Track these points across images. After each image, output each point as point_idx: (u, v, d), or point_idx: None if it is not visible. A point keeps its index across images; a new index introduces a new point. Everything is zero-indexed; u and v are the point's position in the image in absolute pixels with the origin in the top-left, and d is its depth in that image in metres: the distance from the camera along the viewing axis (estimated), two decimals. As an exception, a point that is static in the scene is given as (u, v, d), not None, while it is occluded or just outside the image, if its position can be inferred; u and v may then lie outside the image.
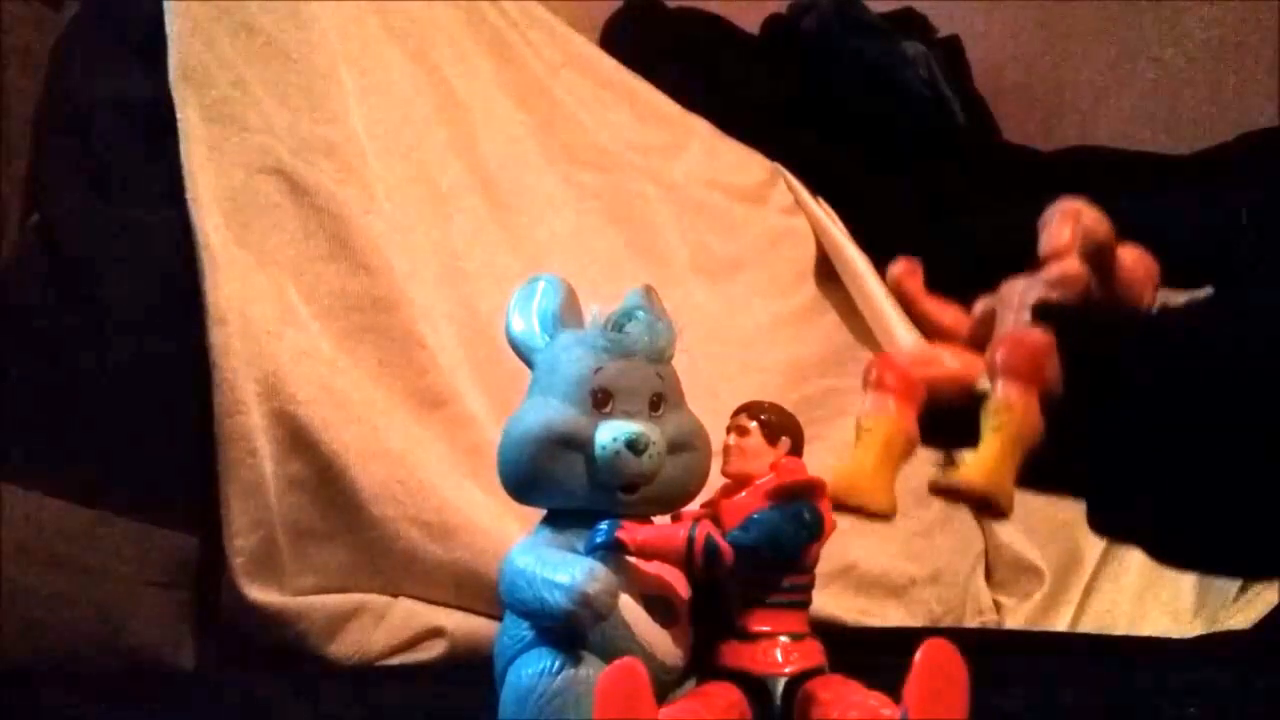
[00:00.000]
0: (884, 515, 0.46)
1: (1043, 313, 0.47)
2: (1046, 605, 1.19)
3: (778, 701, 0.48)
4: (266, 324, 0.79)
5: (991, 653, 0.72)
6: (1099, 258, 0.48)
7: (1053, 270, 0.48)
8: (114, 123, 0.85)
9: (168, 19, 0.84)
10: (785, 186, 1.29)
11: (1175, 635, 1.07)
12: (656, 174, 1.14)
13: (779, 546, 0.49)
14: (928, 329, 0.52)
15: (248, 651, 0.76)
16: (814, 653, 0.51)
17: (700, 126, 1.26)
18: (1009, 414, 0.45)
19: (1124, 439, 0.47)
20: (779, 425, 0.53)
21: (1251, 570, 0.74)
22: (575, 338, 0.51)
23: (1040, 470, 0.45)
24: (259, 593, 0.75)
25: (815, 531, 0.50)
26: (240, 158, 0.83)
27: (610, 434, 0.48)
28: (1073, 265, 0.48)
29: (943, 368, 0.49)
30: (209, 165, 0.82)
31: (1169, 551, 0.54)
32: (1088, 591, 1.20)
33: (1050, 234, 0.48)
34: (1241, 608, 1.08)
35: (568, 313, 0.52)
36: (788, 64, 1.44)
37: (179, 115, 0.82)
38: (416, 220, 0.91)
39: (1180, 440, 0.46)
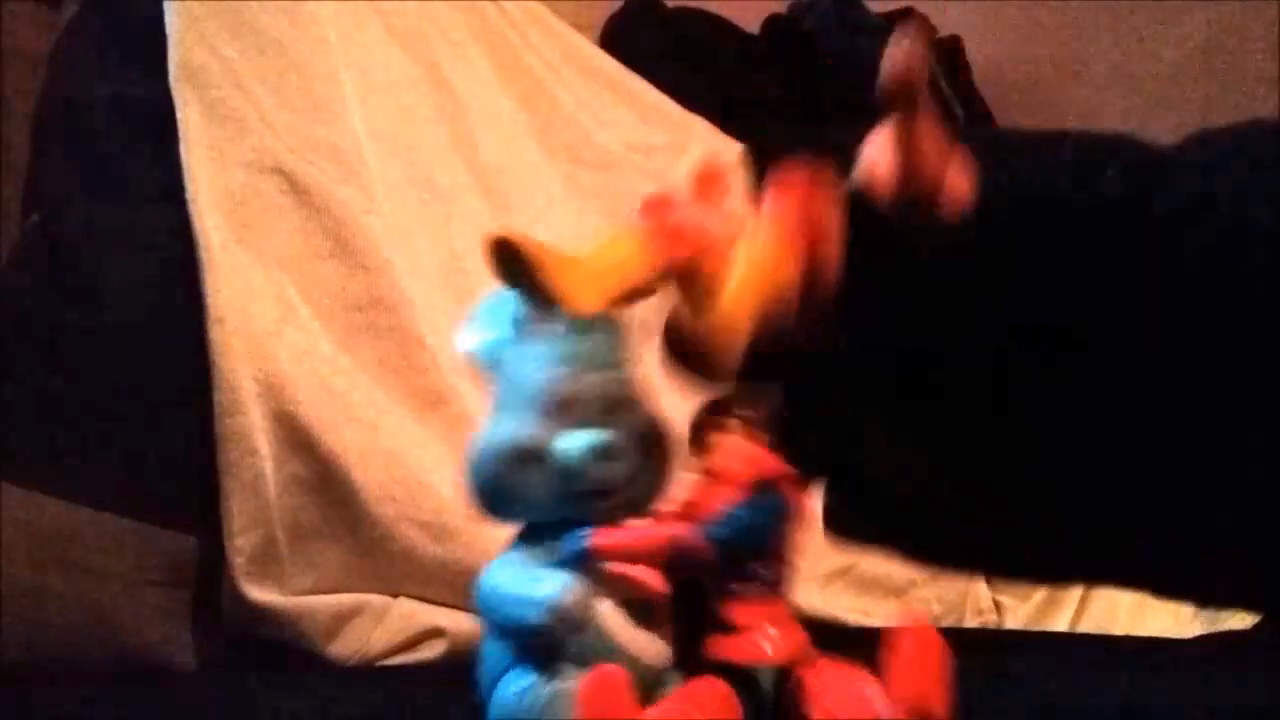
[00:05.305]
0: (566, 299, 0.44)
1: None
2: (1046, 605, 1.19)
3: (767, 691, 0.48)
4: (266, 324, 0.79)
5: (991, 653, 0.72)
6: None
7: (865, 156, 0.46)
8: (114, 123, 0.85)
9: (168, 19, 0.84)
10: (785, 186, 1.29)
11: (1175, 635, 1.07)
12: (657, 174, 1.14)
13: (757, 539, 0.49)
14: None
15: (248, 651, 0.76)
16: (798, 639, 0.51)
17: (700, 126, 1.26)
18: (751, 256, 0.44)
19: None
20: (752, 419, 0.53)
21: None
22: (530, 351, 0.50)
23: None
24: (259, 593, 0.75)
25: (792, 521, 0.50)
26: (240, 158, 0.83)
27: (572, 442, 0.48)
28: (887, 162, 0.46)
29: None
30: (209, 165, 0.82)
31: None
32: (1088, 591, 1.20)
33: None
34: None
35: (521, 327, 0.52)
36: (788, 64, 1.43)
37: (179, 115, 0.82)
38: (416, 220, 0.91)
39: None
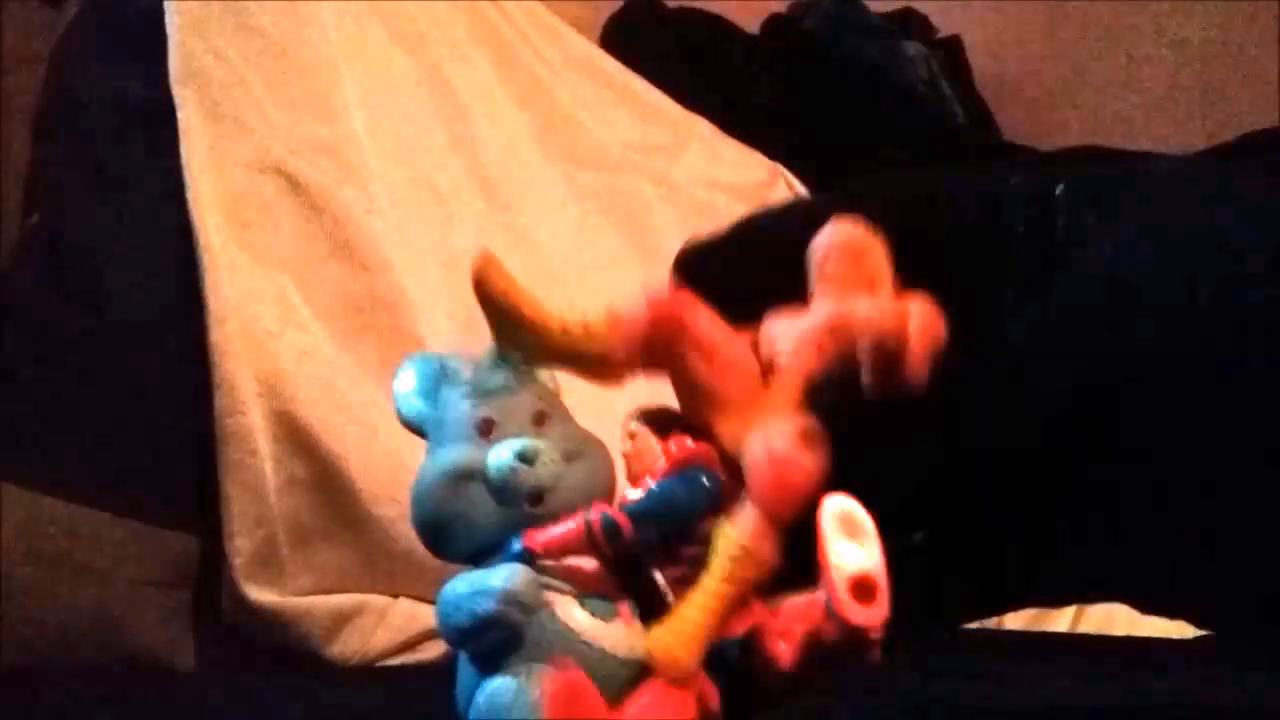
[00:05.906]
0: (501, 347, 0.47)
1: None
2: (1046, 606, 1.19)
3: (733, 655, 0.49)
4: (266, 324, 0.79)
5: (991, 653, 0.72)
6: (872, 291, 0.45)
7: (822, 317, 0.46)
8: (114, 123, 0.85)
9: (168, 19, 0.84)
10: (785, 186, 1.29)
11: (1175, 636, 1.07)
12: (656, 174, 1.14)
13: (675, 509, 0.50)
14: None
15: (248, 651, 0.76)
16: (753, 608, 0.51)
17: (700, 126, 1.26)
18: (743, 559, 0.45)
19: None
20: (667, 421, 0.54)
21: None
22: (450, 393, 0.52)
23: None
24: (259, 593, 0.75)
25: (714, 493, 0.50)
26: (240, 158, 0.83)
27: (500, 452, 0.49)
28: (844, 313, 0.45)
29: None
30: (209, 165, 0.82)
31: None
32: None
33: (823, 270, 0.46)
34: (1241, 608, 1.08)
35: (440, 381, 0.53)
36: (788, 64, 1.44)
37: (179, 115, 0.82)
38: (416, 220, 0.91)
39: None
